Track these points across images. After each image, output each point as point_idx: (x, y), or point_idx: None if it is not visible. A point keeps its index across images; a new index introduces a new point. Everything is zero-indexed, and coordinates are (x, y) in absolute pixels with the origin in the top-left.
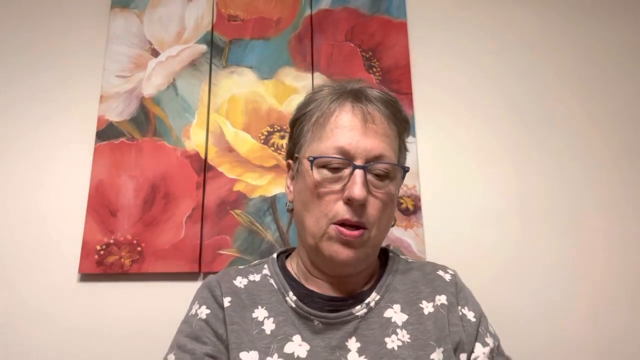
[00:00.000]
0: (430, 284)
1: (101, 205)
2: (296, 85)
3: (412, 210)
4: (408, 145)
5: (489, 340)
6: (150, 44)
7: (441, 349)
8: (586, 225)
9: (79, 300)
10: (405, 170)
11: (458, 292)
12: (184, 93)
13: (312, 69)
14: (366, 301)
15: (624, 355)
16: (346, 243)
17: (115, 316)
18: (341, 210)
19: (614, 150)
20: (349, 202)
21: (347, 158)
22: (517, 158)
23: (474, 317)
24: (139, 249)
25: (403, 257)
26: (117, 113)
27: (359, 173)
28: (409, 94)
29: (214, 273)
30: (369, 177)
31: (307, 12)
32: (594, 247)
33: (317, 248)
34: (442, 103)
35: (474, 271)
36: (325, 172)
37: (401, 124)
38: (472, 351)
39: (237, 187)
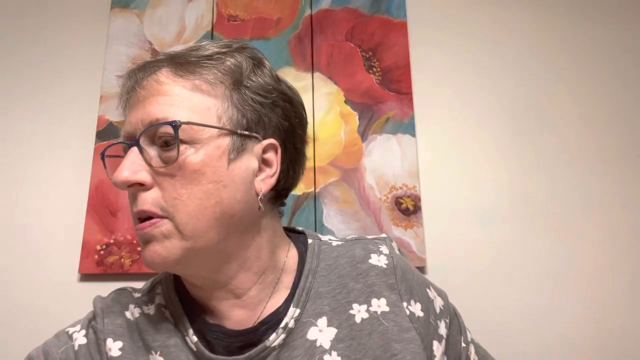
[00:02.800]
0: (362, 277)
1: (101, 205)
2: (296, 86)
3: (412, 210)
4: (402, 141)
5: (442, 329)
6: (150, 44)
7: None
8: (585, 226)
9: (79, 300)
10: (174, 125)
11: (399, 282)
12: None
13: (312, 69)
14: (283, 323)
15: (619, 355)
16: (145, 240)
17: None
18: (131, 203)
19: (611, 151)
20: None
21: (129, 140)
22: (517, 158)
23: (422, 309)
24: (139, 249)
25: (326, 239)
26: (117, 113)
27: (130, 152)
28: (409, 94)
29: None
30: (154, 152)
31: (307, 12)
32: (593, 247)
33: None
34: (442, 103)
35: (473, 270)
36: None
37: (225, 71)
38: (432, 351)
39: None
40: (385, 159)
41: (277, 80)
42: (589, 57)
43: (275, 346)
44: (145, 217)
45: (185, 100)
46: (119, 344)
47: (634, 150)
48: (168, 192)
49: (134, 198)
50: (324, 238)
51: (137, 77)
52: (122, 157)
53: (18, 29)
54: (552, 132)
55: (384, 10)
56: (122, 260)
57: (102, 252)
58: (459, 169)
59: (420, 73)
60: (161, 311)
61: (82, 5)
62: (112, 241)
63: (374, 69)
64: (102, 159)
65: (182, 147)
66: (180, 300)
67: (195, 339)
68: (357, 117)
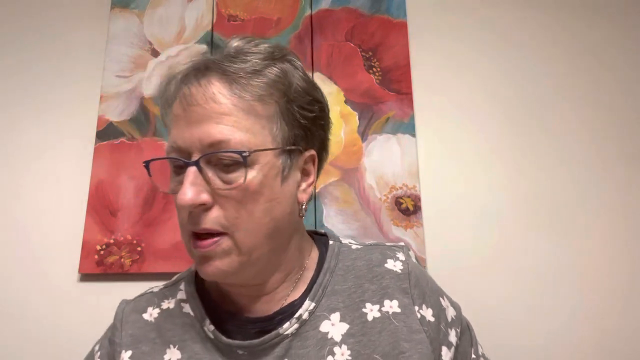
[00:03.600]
0: (377, 280)
1: (101, 205)
2: None
3: (412, 210)
4: (402, 141)
5: (452, 337)
6: (150, 44)
7: None
8: (584, 226)
9: (79, 300)
10: (244, 155)
11: (412, 287)
12: None
13: (312, 69)
14: (297, 314)
15: (619, 355)
16: (204, 257)
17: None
18: (186, 219)
19: (609, 152)
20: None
21: (182, 155)
22: (517, 158)
23: (433, 315)
24: (139, 249)
25: (346, 242)
26: (117, 113)
27: (189, 172)
28: (409, 94)
29: None
30: (213, 171)
31: (307, 12)
32: (592, 247)
33: (195, 267)
34: (442, 103)
35: (473, 271)
36: (174, 177)
37: (270, 90)
38: (440, 356)
39: None
40: (385, 159)
41: (314, 87)
42: (588, 58)
43: (288, 334)
44: (204, 234)
45: (243, 121)
46: (129, 353)
47: (632, 152)
48: (229, 212)
49: (193, 217)
50: (345, 241)
51: (189, 87)
52: (162, 159)
53: (18, 29)
54: (551, 132)
55: (384, 10)
56: (122, 260)
57: (102, 252)
58: (458, 169)
59: (420, 73)
60: (180, 306)
61: (82, 5)
62: (112, 241)
63: (374, 69)
64: (147, 166)
65: (244, 169)
66: (199, 294)
67: (212, 327)
68: (357, 117)
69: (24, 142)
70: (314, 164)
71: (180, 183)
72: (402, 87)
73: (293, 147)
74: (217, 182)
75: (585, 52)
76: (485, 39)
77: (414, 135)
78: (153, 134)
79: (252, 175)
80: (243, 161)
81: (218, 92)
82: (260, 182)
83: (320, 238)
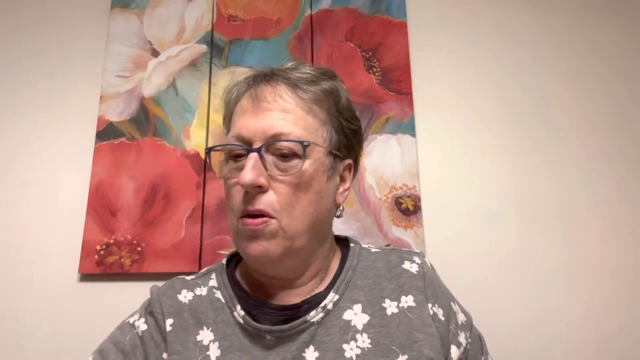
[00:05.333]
0: (395, 279)
1: (101, 205)
2: None
3: (412, 210)
4: (402, 141)
5: (462, 338)
6: (150, 44)
7: (405, 356)
8: (583, 225)
9: (79, 300)
10: (305, 145)
11: (426, 286)
12: (184, 93)
13: None
14: (322, 304)
15: (620, 355)
16: (252, 236)
17: (115, 316)
18: (240, 201)
19: (611, 151)
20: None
21: (244, 144)
22: (517, 158)
23: (443, 315)
24: (139, 249)
25: (366, 246)
26: (117, 113)
27: (251, 157)
28: (409, 94)
29: None
30: (271, 159)
31: (307, 12)
32: (591, 246)
33: (239, 249)
34: (442, 103)
35: (473, 271)
36: (231, 164)
37: (322, 97)
38: (449, 353)
39: None
40: (385, 159)
41: (353, 107)
42: (589, 57)
43: (313, 322)
44: (256, 214)
45: (302, 120)
46: (170, 320)
47: (635, 151)
48: (282, 197)
49: (249, 197)
50: (365, 245)
51: (259, 86)
52: (226, 145)
53: (18, 29)
54: (551, 133)
55: (384, 10)
56: (122, 260)
57: (102, 252)
58: (458, 169)
59: (420, 73)
60: (212, 292)
61: (82, 5)
62: (112, 241)
63: (374, 69)
64: (208, 153)
65: (299, 160)
66: (230, 284)
67: (242, 313)
68: None
69: (24, 142)
70: (350, 172)
71: (236, 169)
72: (402, 87)
73: (337, 152)
74: (274, 169)
75: (588, 51)
76: (486, 38)
77: (414, 135)
78: (153, 134)
79: (306, 166)
80: (302, 151)
81: (284, 92)
82: (312, 174)
83: (341, 241)
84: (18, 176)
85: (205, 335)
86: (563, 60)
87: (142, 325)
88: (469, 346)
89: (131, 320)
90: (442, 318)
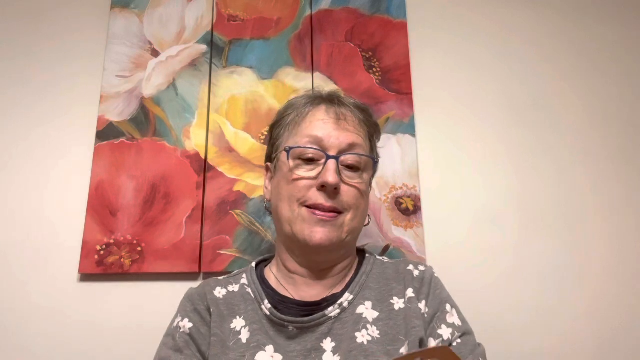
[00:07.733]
0: (402, 280)
1: (101, 205)
2: (296, 86)
3: (412, 210)
4: (402, 141)
5: (445, 332)
6: (150, 44)
7: (407, 342)
8: (585, 226)
9: (79, 300)
10: (375, 161)
11: (421, 287)
12: (184, 93)
13: (312, 69)
14: (339, 302)
15: (622, 355)
16: (321, 222)
17: (115, 316)
18: (314, 195)
19: (614, 152)
20: (322, 188)
21: (321, 148)
22: (517, 158)
23: (427, 313)
24: (139, 249)
25: (379, 258)
26: (117, 113)
27: (332, 161)
28: (409, 94)
29: (214, 273)
30: (341, 167)
31: (307, 12)
32: (593, 247)
33: (293, 234)
34: (442, 103)
35: (473, 271)
36: (300, 162)
37: (372, 127)
38: (428, 343)
39: (237, 187)
40: (385, 159)
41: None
42: (590, 57)
43: (331, 317)
44: (329, 209)
45: (365, 141)
46: (212, 309)
47: (635, 151)
48: (349, 198)
49: (327, 194)
50: (379, 257)
51: (338, 106)
52: (307, 148)
53: (17, 29)
54: (552, 133)
55: (384, 10)
56: (122, 260)
57: (102, 252)
58: (459, 169)
59: (420, 73)
60: (244, 288)
61: (82, 5)
62: (112, 241)
63: (374, 69)
64: (288, 152)
65: (361, 172)
66: (260, 282)
67: (269, 306)
68: None
69: (24, 142)
70: (370, 185)
71: (309, 169)
72: (402, 87)
73: (374, 159)
74: (345, 176)
75: (589, 50)
76: (486, 38)
77: (414, 135)
78: (153, 134)
79: (366, 178)
80: (365, 165)
81: (357, 117)
82: (368, 183)
83: (360, 251)
84: (18, 176)
85: (238, 323)
86: (565, 60)
87: (187, 324)
88: (455, 344)
89: (174, 324)
90: (426, 316)
